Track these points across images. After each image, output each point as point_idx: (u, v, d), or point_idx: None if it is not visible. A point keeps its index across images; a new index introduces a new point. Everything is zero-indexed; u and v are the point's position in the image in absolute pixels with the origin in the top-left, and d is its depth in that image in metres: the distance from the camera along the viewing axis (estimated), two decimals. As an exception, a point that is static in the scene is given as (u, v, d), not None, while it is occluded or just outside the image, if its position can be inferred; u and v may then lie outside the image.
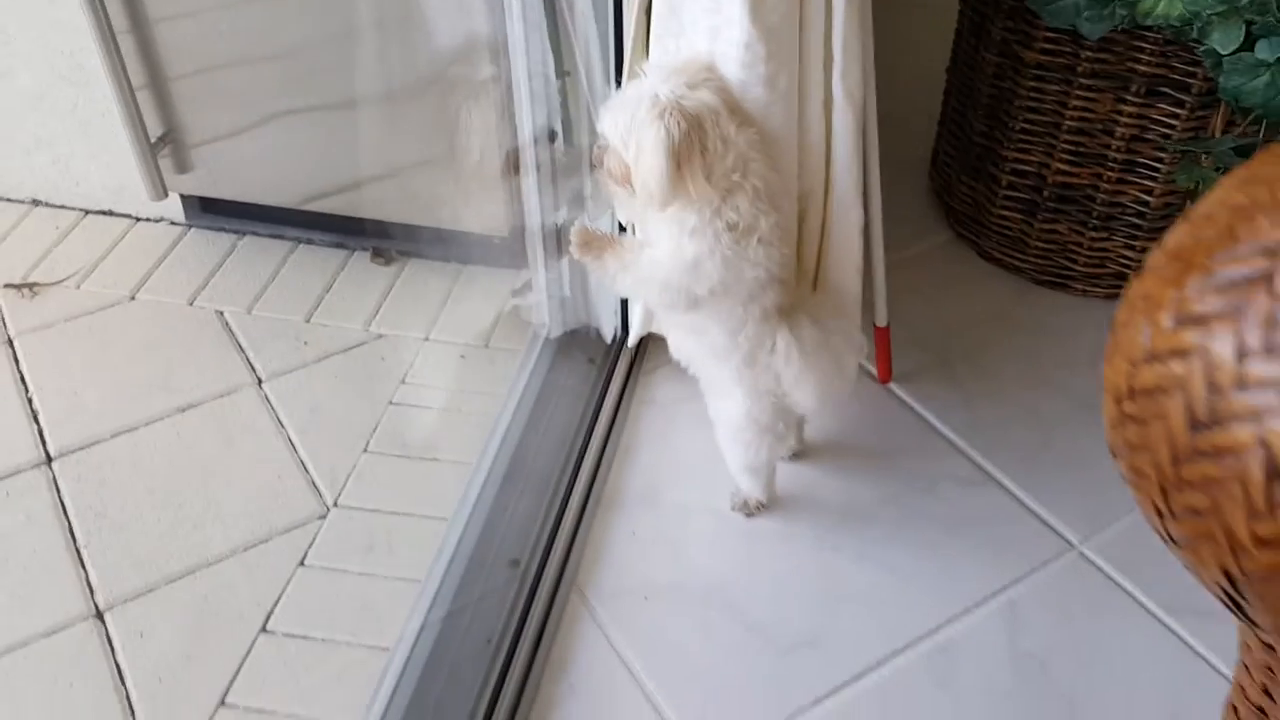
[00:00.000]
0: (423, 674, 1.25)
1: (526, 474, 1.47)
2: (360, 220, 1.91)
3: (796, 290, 1.34)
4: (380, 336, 1.79)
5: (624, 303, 1.60)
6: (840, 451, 1.52)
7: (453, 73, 1.68)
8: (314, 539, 1.45)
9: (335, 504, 1.50)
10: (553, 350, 1.65)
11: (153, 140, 1.82)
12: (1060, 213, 1.71)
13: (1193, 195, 1.60)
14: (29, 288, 1.86)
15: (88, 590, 1.39)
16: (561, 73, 1.41)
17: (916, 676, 1.26)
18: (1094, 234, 1.70)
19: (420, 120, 1.78)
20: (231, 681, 1.29)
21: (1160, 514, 0.43)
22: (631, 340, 1.59)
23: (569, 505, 1.43)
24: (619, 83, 1.36)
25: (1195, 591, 1.30)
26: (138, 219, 2.02)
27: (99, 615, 1.36)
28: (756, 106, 1.18)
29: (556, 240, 1.55)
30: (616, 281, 1.23)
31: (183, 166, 1.88)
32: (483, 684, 1.23)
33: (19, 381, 1.69)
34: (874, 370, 1.62)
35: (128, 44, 1.75)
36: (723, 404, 1.32)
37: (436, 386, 1.73)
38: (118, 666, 1.31)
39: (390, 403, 1.66)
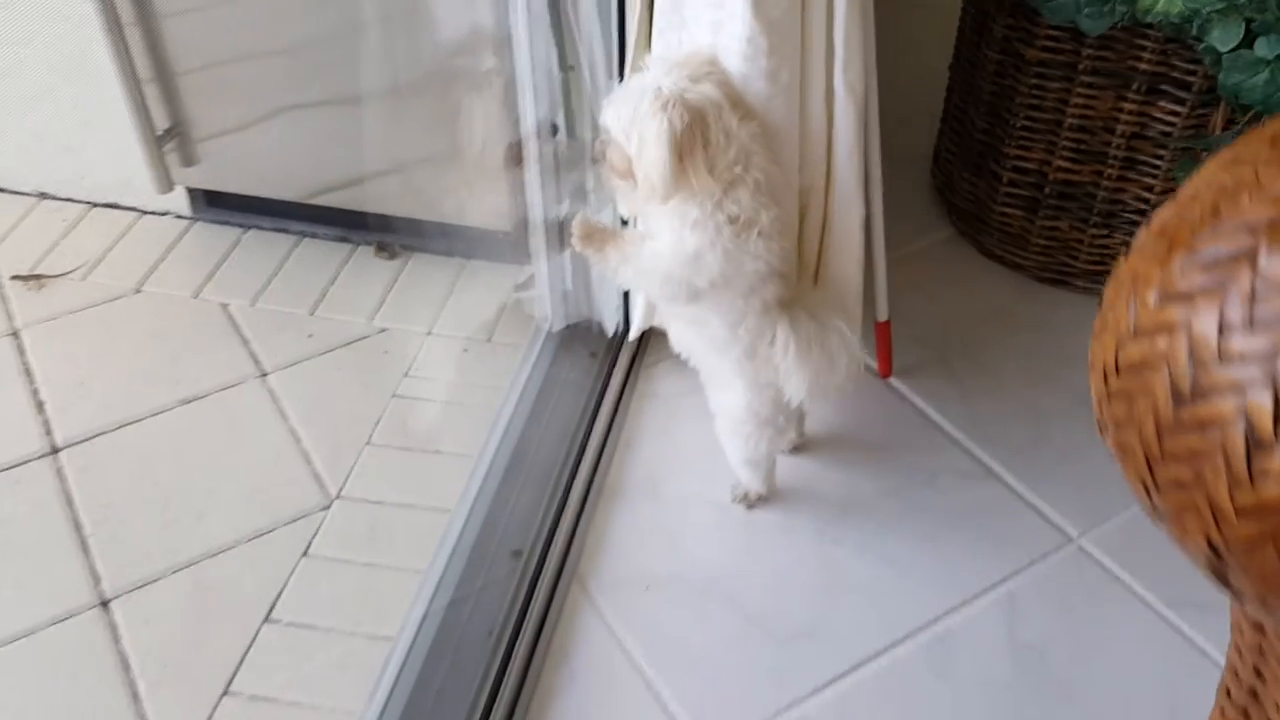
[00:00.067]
0: (425, 663, 1.26)
1: (528, 466, 1.48)
2: (364, 214, 1.92)
3: (798, 284, 1.35)
4: (384, 330, 1.80)
5: (626, 296, 1.61)
6: (840, 445, 1.53)
7: (456, 67, 1.69)
8: (317, 530, 1.46)
9: (339, 495, 1.51)
10: (555, 344, 1.66)
11: (159, 134, 1.84)
12: (1061, 210, 1.72)
13: (1193, 192, 1.61)
14: (35, 279, 1.88)
15: (93, 579, 1.40)
16: (565, 67, 1.42)
17: (915, 667, 1.27)
18: (1095, 231, 1.71)
19: (424, 115, 1.79)
20: (236, 670, 1.30)
21: (1146, 488, 0.44)
22: (633, 334, 1.60)
23: (570, 497, 1.44)
24: (622, 77, 1.37)
25: (1193, 584, 1.31)
26: (144, 212, 2.03)
27: (104, 604, 1.37)
28: (758, 100, 1.19)
29: (559, 233, 1.56)
30: (618, 274, 1.24)
31: (189, 160, 1.89)
32: (484, 673, 1.24)
33: (25, 372, 1.70)
34: (875, 365, 1.63)
35: (135, 38, 1.76)
36: (723, 396, 1.33)
37: (439, 380, 1.74)
38: (123, 654, 1.31)
39: (393, 395, 1.68)
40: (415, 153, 1.84)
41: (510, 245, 1.78)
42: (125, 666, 1.30)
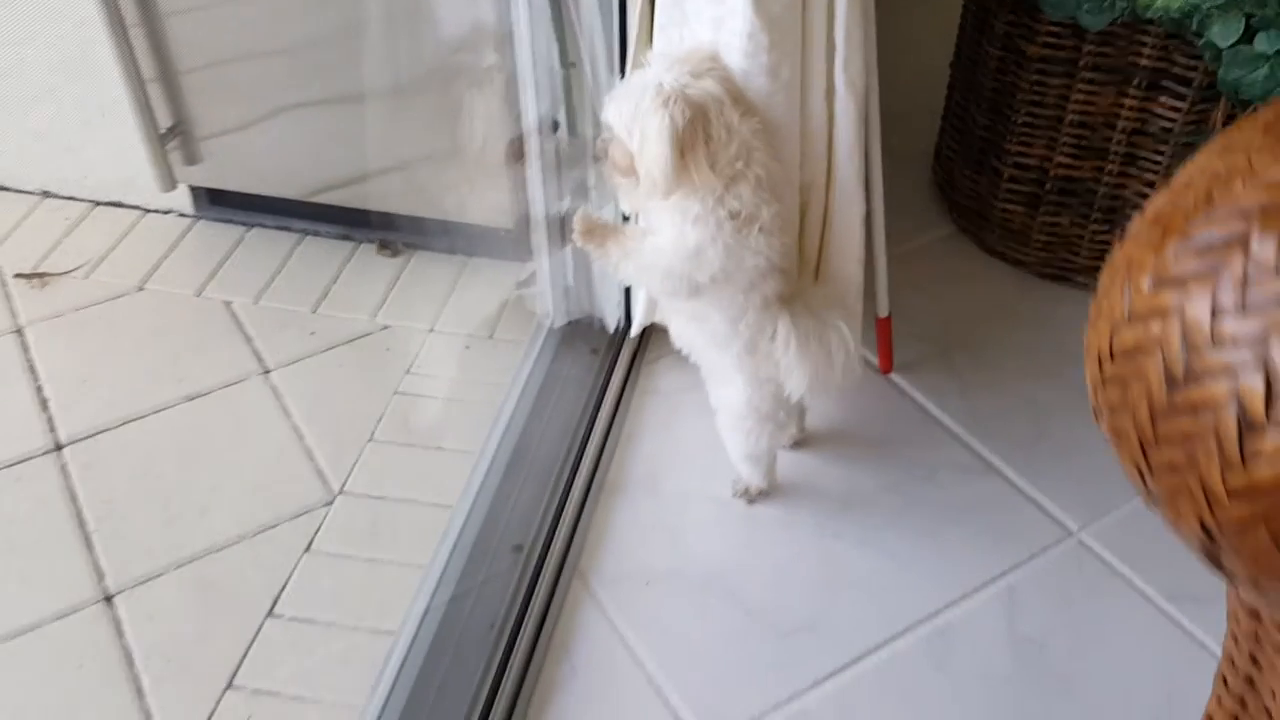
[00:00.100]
0: (427, 657, 1.26)
1: (530, 462, 1.49)
2: (366, 212, 1.92)
3: (799, 280, 1.35)
4: (386, 327, 1.80)
5: (627, 293, 1.62)
6: (841, 440, 1.54)
7: (458, 64, 1.70)
8: (320, 525, 1.47)
9: (341, 491, 1.52)
10: (556, 340, 1.66)
11: (162, 132, 1.85)
12: (1062, 206, 1.72)
13: (1193, 188, 1.61)
14: (39, 278, 1.88)
15: (97, 575, 1.40)
16: (566, 63, 1.43)
17: (915, 660, 1.27)
18: (1096, 227, 1.71)
19: (426, 113, 1.80)
20: (239, 664, 1.30)
21: (1141, 472, 0.45)
22: (634, 330, 1.60)
23: (571, 492, 1.44)
24: (623, 73, 1.37)
25: (1192, 577, 1.31)
26: (146, 210, 2.04)
27: (108, 599, 1.38)
28: (759, 96, 1.19)
29: (560, 229, 1.56)
30: (619, 269, 1.25)
31: (191, 158, 1.90)
32: (486, 666, 1.24)
33: (29, 370, 1.71)
34: (875, 361, 1.63)
35: (138, 37, 1.77)
36: (724, 391, 1.34)
37: (441, 376, 1.74)
38: (126, 649, 1.32)
39: (396, 392, 1.68)
40: (417, 150, 1.84)
41: (512, 242, 1.79)
42: (129, 661, 1.31)
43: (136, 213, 2.04)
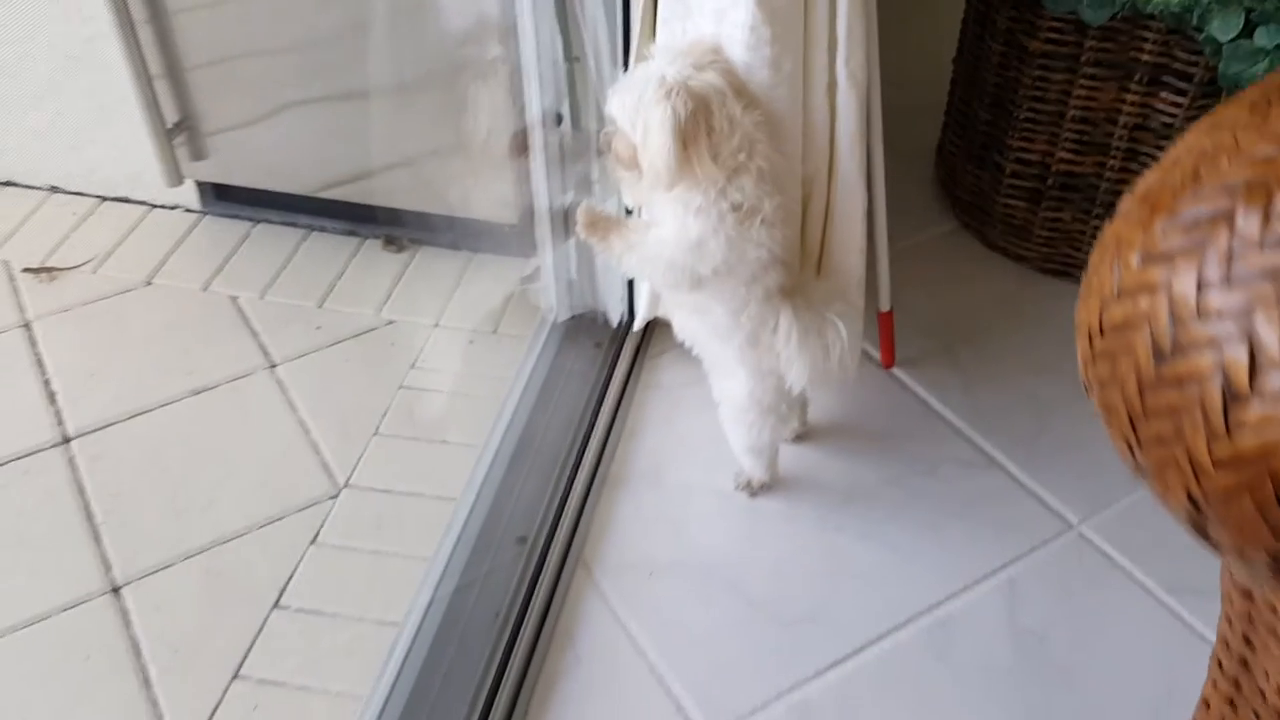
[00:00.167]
0: (432, 646, 1.27)
1: (534, 455, 1.50)
2: (372, 208, 1.94)
3: (801, 274, 1.36)
4: (391, 322, 1.81)
5: (630, 287, 1.62)
6: (843, 434, 1.55)
7: (462, 59, 1.71)
8: (326, 518, 1.48)
9: (347, 484, 1.53)
10: (560, 334, 1.67)
11: (169, 128, 1.86)
12: (1064, 201, 1.73)
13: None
14: (47, 272, 1.90)
15: (104, 566, 1.42)
16: (570, 57, 1.44)
17: (917, 651, 1.28)
18: (1097, 223, 1.72)
19: (431, 108, 1.81)
20: (245, 655, 1.31)
21: (1130, 445, 0.46)
22: (638, 324, 1.61)
23: (575, 484, 1.45)
24: (627, 67, 1.38)
25: (1192, 570, 1.32)
26: (153, 206, 2.05)
27: (115, 590, 1.39)
28: (761, 89, 1.20)
29: (564, 223, 1.57)
30: (622, 261, 1.26)
31: (198, 154, 1.91)
32: (490, 655, 1.25)
33: (38, 363, 1.72)
34: (877, 355, 1.64)
35: (146, 34, 1.78)
36: (726, 384, 1.35)
37: (446, 371, 1.75)
38: (134, 640, 1.33)
39: (401, 386, 1.69)
40: (422, 146, 1.86)
41: (516, 237, 1.80)
42: (136, 652, 1.32)
43: (143, 208, 2.05)
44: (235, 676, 1.29)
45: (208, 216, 2.03)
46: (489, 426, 1.55)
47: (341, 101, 1.84)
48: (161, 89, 1.84)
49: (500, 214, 1.84)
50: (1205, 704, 0.81)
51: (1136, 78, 1.55)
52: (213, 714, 1.25)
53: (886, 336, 1.62)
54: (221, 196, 2.02)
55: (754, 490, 1.45)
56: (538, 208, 1.57)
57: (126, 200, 2.06)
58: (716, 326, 1.28)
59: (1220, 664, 0.75)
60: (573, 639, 1.29)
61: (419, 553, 1.41)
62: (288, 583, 1.39)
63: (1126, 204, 0.48)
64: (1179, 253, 0.42)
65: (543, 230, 1.59)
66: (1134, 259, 0.44)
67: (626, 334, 1.66)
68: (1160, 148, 1.60)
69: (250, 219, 2.01)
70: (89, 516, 1.48)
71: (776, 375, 1.29)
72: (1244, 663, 0.70)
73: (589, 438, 1.52)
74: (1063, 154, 1.68)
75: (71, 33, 1.88)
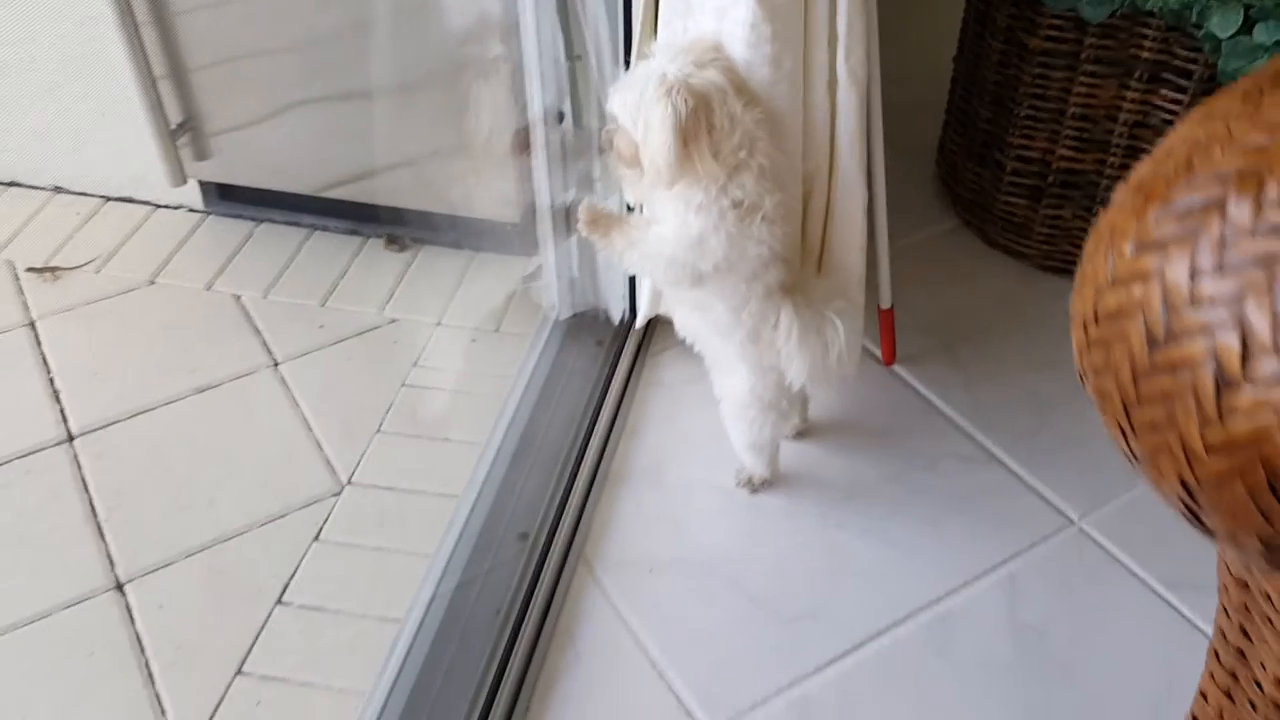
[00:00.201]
0: (434, 642, 1.28)
1: (535, 452, 1.50)
2: (375, 207, 1.94)
3: (802, 271, 1.37)
4: (394, 321, 1.82)
5: (632, 285, 1.63)
6: (844, 430, 1.55)
7: (465, 58, 1.71)
8: (329, 515, 1.48)
9: (349, 481, 1.53)
10: (562, 332, 1.68)
11: (172, 128, 1.87)
12: (1064, 199, 1.73)
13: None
14: (51, 272, 1.90)
15: (108, 563, 1.42)
16: (572, 55, 1.44)
17: (917, 646, 1.28)
18: (1098, 219, 1.72)
19: (433, 108, 1.82)
20: (248, 651, 1.32)
21: (1124, 432, 0.46)
22: (639, 322, 1.62)
23: (576, 481, 1.46)
24: (628, 65, 1.39)
25: (1192, 565, 1.32)
26: (157, 206, 2.06)
27: (119, 587, 1.39)
28: (762, 86, 1.20)
29: (566, 220, 1.58)
30: (623, 258, 1.26)
31: (201, 154, 1.92)
32: (492, 651, 1.26)
33: (42, 362, 1.73)
34: (878, 352, 1.64)
35: (149, 35, 1.79)
36: (727, 381, 1.35)
37: (448, 369, 1.76)
38: (137, 636, 1.34)
39: (403, 384, 1.70)
40: (424, 146, 1.86)
41: (518, 236, 1.81)
42: (139, 648, 1.32)
43: (147, 208, 2.06)
44: (238, 673, 1.30)
45: (211, 216, 2.04)
46: (491, 424, 1.55)
47: (344, 101, 1.84)
48: (165, 89, 1.85)
49: (502, 213, 1.84)
50: (1203, 696, 0.81)
51: (1136, 75, 1.56)
52: (215, 710, 1.26)
53: (887, 334, 1.62)
54: (225, 196, 2.03)
55: (755, 487, 1.45)
56: (539, 205, 1.57)
57: (130, 200, 2.07)
58: (718, 323, 1.28)
59: (1217, 655, 0.75)
60: (574, 635, 1.30)
61: (421, 549, 1.42)
62: (290, 579, 1.40)
63: (1121, 194, 0.48)
64: (1172, 241, 0.42)
65: (544, 228, 1.60)
66: (1128, 248, 0.44)
67: (628, 332, 1.66)
68: (1160, 145, 1.60)
69: (253, 219, 2.02)
70: (92, 514, 1.49)
71: (777, 372, 1.29)
72: (1241, 654, 0.70)
73: (590, 435, 1.52)
74: (1063, 151, 1.69)
75: (75, 34, 1.88)
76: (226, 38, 1.83)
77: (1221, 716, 0.78)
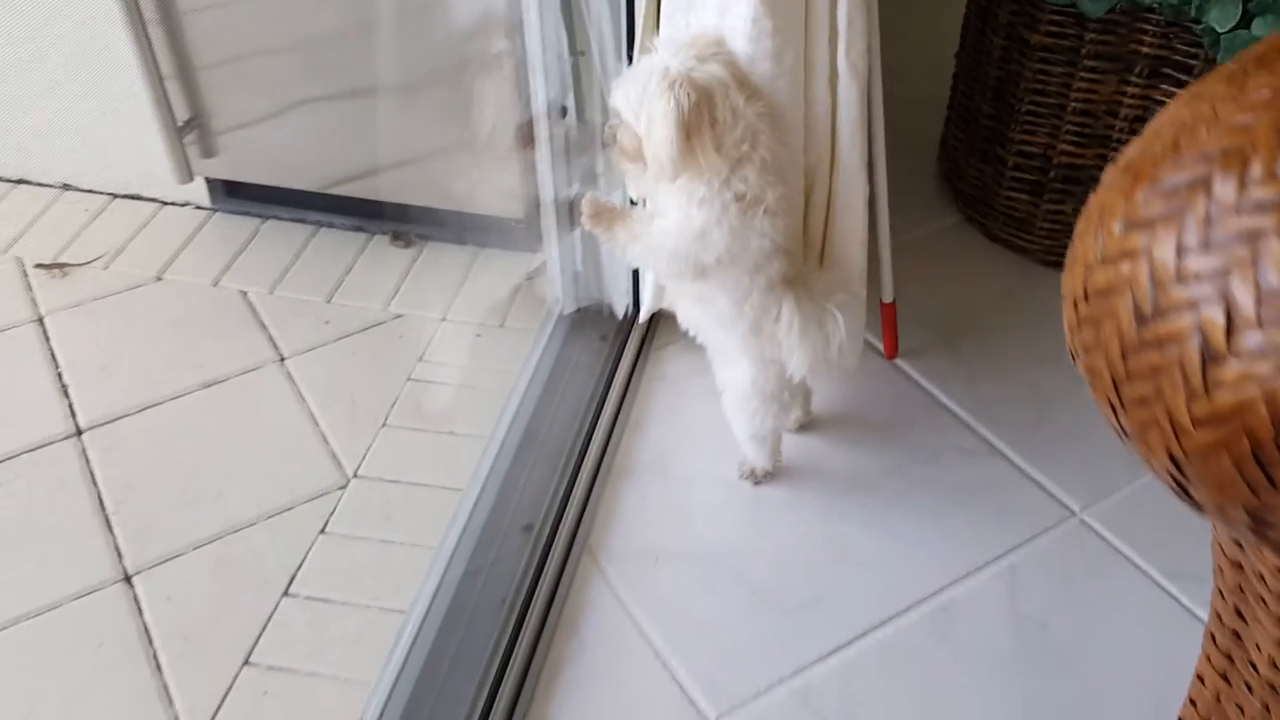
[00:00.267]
0: (439, 633, 1.29)
1: (540, 445, 1.51)
2: (380, 204, 1.95)
3: (804, 264, 1.37)
4: (399, 316, 1.83)
5: (635, 280, 1.64)
6: (847, 423, 1.56)
7: (469, 55, 1.73)
8: (335, 507, 1.50)
9: (355, 474, 1.54)
10: (566, 327, 1.69)
11: (179, 126, 1.88)
12: (1066, 193, 1.74)
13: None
14: (59, 268, 1.92)
15: (116, 556, 1.43)
16: (575, 51, 1.45)
17: (918, 636, 1.29)
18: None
19: (439, 105, 1.83)
20: (255, 642, 1.33)
21: (1114, 408, 0.47)
22: (643, 316, 1.63)
23: (581, 474, 1.47)
24: (631, 60, 1.40)
25: (1192, 556, 1.33)
26: (164, 203, 2.07)
27: (127, 579, 1.41)
28: (764, 80, 1.21)
29: (569, 215, 1.59)
30: (627, 251, 1.27)
31: (208, 151, 1.94)
32: (497, 641, 1.27)
33: (50, 357, 1.74)
34: (880, 346, 1.65)
35: (157, 34, 1.80)
36: (729, 373, 1.36)
37: (453, 363, 1.77)
38: (145, 627, 1.35)
39: (408, 379, 1.71)
40: (429, 142, 1.87)
41: (522, 232, 1.82)
42: (147, 639, 1.33)
43: (154, 205, 2.07)
44: (245, 663, 1.31)
45: (218, 213, 2.05)
46: (495, 417, 1.56)
47: (349, 99, 1.86)
48: (172, 88, 1.86)
49: (506, 208, 1.86)
50: (1199, 679, 0.82)
51: (1136, 70, 1.56)
52: (223, 700, 1.27)
53: (889, 327, 1.63)
54: (231, 193, 2.04)
55: (758, 479, 1.46)
56: (543, 200, 1.58)
57: (137, 197, 2.09)
58: (720, 315, 1.29)
59: (1214, 638, 0.76)
60: (578, 625, 1.31)
61: (426, 541, 1.43)
62: (297, 571, 1.41)
63: (1110, 174, 0.49)
64: (1159, 219, 0.43)
65: (548, 222, 1.61)
66: (1116, 227, 0.45)
67: (632, 326, 1.67)
68: (1161, 140, 1.61)
69: (260, 215, 2.04)
70: (101, 507, 1.50)
71: (778, 364, 1.30)
72: (1236, 636, 0.71)
73: (594, 428, 1.53)
74: (1064, 147, 1.69)
75: (82, 31, 1.90)
76: (233, 36, 1.84)
77: (1218, 700, 0.79)
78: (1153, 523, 1.40)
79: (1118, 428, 0.48)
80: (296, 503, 1.50)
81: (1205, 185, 0.42)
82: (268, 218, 2.03)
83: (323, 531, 1.46)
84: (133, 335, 1.79)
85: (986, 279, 1.81)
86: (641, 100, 1.15)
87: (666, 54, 1.16)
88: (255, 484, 1.53)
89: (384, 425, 1.62)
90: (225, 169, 1.99)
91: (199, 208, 2.06)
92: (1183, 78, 1.54)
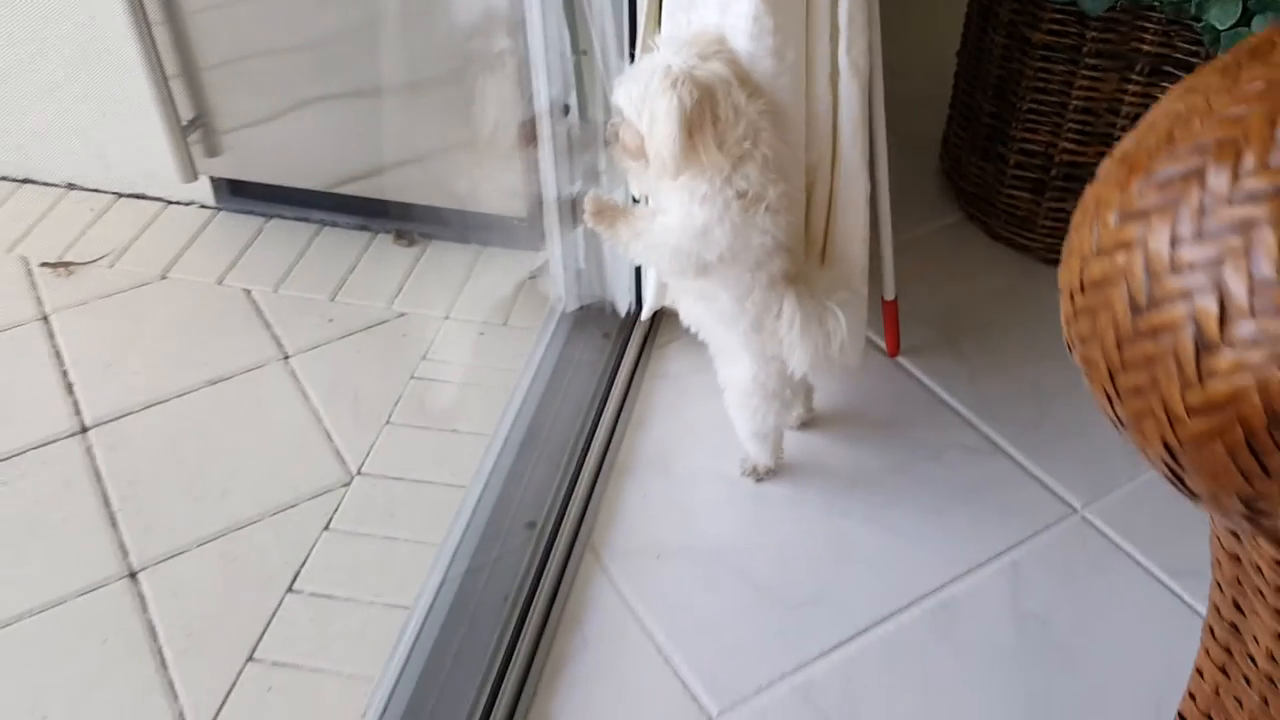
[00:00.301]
0: (443, 628, 1.29)
1: (543, 442, 1.52)
2: (384, 203, 1.96)
3: (805, 262, 1.38)
4: (402, 315, 1.84)
5: (638, 278, 1.64)
6: (849, 421, 1.56)
7: (472, 54, 1.73)
8: (339, 505, 1.50)
9: (359, 472, 1.55)
10: (568, 325, 1.69)
11: (184, 125, 1.89)
12: (1067, 191, 1.74)
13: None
14: (65, 267, 1.93)
15: (121, 552, 1.44)
16: (577, 50, 1.46)
17: (920, 632, 1.30)
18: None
19: (441, 104, 1.83)
20: (260, 638, 1.33)
21: (1109, 398, 0.47)
22: (645, 314, 1.63)
23: (583, 471, 1.47)
24: (633, 59, 1.40)
25: (1193, 553, 1.33)
26: (169, 202, 2.08)
27: (132, 575, 1.41)
28: (765, 78, 1.22)
29: (572, 212, 1.59)
30: (629, 249, 1.28)
31: (213, 151, 1.94)
32: (499, 638, 1.27)
33: (55, 355, 1.75)
34: (882, 344, 1.66)
35: (161, 34, 1.81)
36: (731, 370, 1.37)
37: (456, 361, 1.78)
38: (150, 623, 1.35)
39: (412, 377, 1.72)
40: (433, 141, 1.88)
41: (525, 231, 1.83)
42: (153, 635, 1.34)
43: (159, 204, 2.08)
44: (250, 659, 1.31)
45: (222, 212, 2.06)
46: (498, 415, 1.57)
47: (353, 98, 1.86)
48: (177, 87, 1.87)
49: (509, 207, 1.86)
50: (1199, 673, 0.82)
51: (1137, 68, 1.57)
52: (227, 696, 1.28)
53: (891, 325, 1.63)
54: (236, 192, 2.05)
55: (760, 476, 1.47)
56: (546, 198, 1.59)
57: (142, 196, 2.09)
58: (722, 312, 1.29)
59: (1212, 631, 0.76)
60: (580, 621, 1.31)
61: (429, 538, 1.43)
62: (301, 568, 1.42)
63: (1106, 166, 0.49)
64: (1154, 210, 0.44)
65: (551, 220, 1.61)
66: (1112, 218, 0.46)
67: (634, 324, 1.68)
68: (1162, 138, 1.61)
69: (264, 214, 2.04)
70: (106, 504, 1.50)
71: (780, 361, 1.31)
72: (1234, 628, 0.71)
73: (597, 425, 1.54)
74: (1065, 145, 1.70)
75: (86, 31, 1.91)
76: (237, 36, 1.85)
77: (1217, 692, 0.80)
78: (1154, 520, 1.40)
79: (1114, 417, 0.48)
80: (300, 500, 1.51)
81: (1199, 176, 0.42)
82: (272, 216, 2.04)
83: (326, 528, 1.47)
84: (137, 333, 1.80)
85: (988, 277, 1.82)
86: (644, 98, 1.15)
87: (668, 52, 1.16)
88: (259, 481, 1.54)
89: (387, 423, 1.63)
90: (229, 168, 1.99)
91: (203, 207, 2.07)
92: (1183, 75, 1.54)
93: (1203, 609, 1.31)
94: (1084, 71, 1.61)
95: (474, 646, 1.27)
